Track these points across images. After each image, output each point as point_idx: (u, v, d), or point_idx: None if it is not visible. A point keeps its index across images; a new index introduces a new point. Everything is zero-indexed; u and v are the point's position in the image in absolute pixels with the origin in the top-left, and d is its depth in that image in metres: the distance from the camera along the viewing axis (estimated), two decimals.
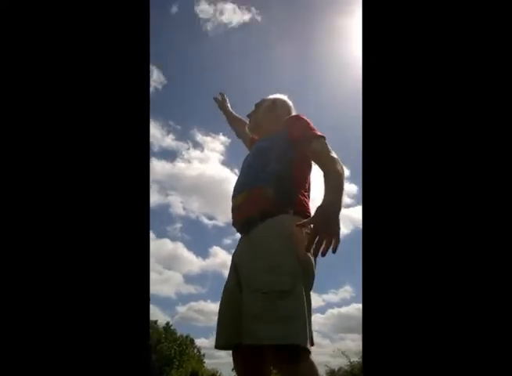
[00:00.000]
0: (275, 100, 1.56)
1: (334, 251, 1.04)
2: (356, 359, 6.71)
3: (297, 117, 1.38)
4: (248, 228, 1.23)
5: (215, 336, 1.22)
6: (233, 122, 1.92)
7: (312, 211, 1.13)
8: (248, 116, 1.61)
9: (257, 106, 1.57)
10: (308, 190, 1.35)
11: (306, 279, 1.12)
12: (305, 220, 1.09)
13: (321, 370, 1.12)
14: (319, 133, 1.27)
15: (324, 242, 1.02)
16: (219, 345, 1.20)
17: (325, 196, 1.10)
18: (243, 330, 1.08)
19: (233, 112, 1.96)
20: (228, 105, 1.99)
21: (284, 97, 1.58)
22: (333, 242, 1.03)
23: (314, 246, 1.03)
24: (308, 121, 1.34)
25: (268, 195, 1.21)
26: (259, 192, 1.23)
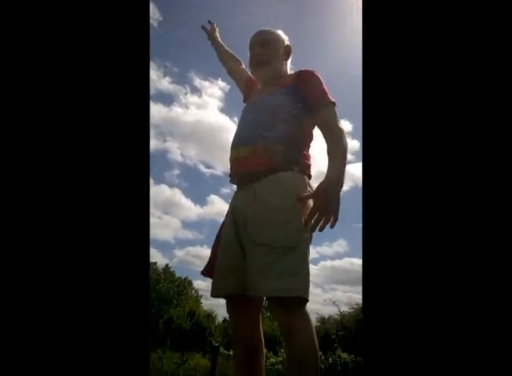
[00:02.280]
0: (272, 34, 1.43)
1: (332, 227, 1.10)
2: (346, 309, 7.02)
3: (312, 74, 1.30)
4: (250, 181, 1.21)
5: (212, 285, 1.25)
6: (224, 56, 1.74)
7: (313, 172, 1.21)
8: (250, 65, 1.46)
9: (256, 43, 1.42)
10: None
11: (308, 235, 1.15)
12: (307, 194, 1.14)
13: (312, 317, 1.17)
14: (331, 99, 1.25)
15: (323, 219, 1.08)
16: (216, 294, 1.23)
17: (329, 171, 1.12)
18: (245, 282, 1.11)
19: (224, 45, 1.77)
20: (218, 35, 1.79)
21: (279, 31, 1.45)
22: (331, 219, 1.09)
23: (313, 221, 1.09)
24: (322, 79, 1.28)
25: (275, 154, 1.20)
26: (266, 149, 1.19)
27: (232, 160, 1.31)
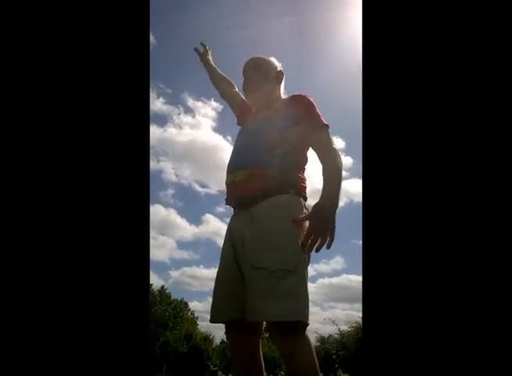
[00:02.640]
0: (265, 60, 1.47)
1: (328, 247, 1.12)
2: (345, 327, 6.92)
3: (305, 98, 1.33)
4: (246, 205, 1.22)
5: (210, 310, 1.24)
6: (217, 79, 1.75)
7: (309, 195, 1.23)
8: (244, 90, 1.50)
9: (249, 68, 1.46)
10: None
11: (306, 258, 1.16)
12: (303, 216, 1.16)
13: (311, 337, 1.16)
14: (324, 122, 1.28)
15: (319, 240, 1.10)
16: (215, 320, 1.23)
17: (323, 191, 1.15)
18: (245, 307, 1.11)
19: (217, 68, 1.78)
20: (211, 58, 1.80)
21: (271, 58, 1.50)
22: (327, 240, 1.11)
23: (309, 243, 1.11)
24: (314, 103, 1.31)
25: (271, 178, 1.21)
26: (262, 173, 1.21)
27: (229, 185, 1.32)
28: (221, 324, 1.25)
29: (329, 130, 1.29)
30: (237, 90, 1.71)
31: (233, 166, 1.32)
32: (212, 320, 1.24)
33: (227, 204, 1.35)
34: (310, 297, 1.12)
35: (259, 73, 1.43)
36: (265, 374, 1.25)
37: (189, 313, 26.39)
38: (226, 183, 1.33)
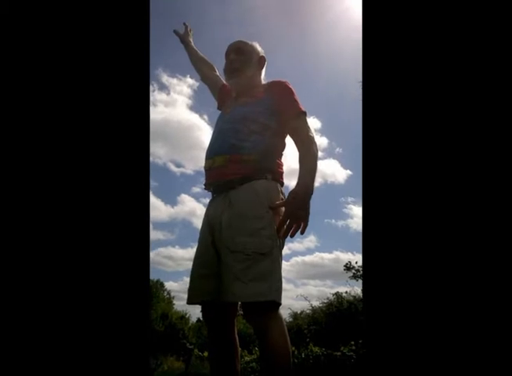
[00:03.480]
0: (248, 44, 1.48)
1: (302, 233, 1.17)
2: (317, 303, 7.18)
3: (283, 84, 1.36)
4: (224, 189, 1.26)
5: (187, 292, 1.30)
6: (197, 61, 1.73)
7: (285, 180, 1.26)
8: (225, 71, 1.50)
9: (231, 51, 1.46)
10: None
11: (280, 241, 1.21)
12: (279, 202, 1.20)
13: (285, 313, 1.25)
14: (302, 109, 1.31)
15: (294, 226, 1.15)
16: (192, 301, 1.28)
17: (299, 179, 1.18)
18: (221, 288, 1.16)
19: (198, 50, 1.75)
20: (191, 40, 1.76)
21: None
22: (301, 225, 1.15)
23: (284, 228, 1.15)
24: (293, 90, 1.34)
25: (249, 163, 1.25)
26: (241, 159, 1.25)
27: (207, 170, 1.35)
28: (197, 304, 1.30)
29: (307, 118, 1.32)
30: (218, 73, 1.70)
31: (212, 151, 1.34)
32: (189, 302, 1.28)
33: (206, 189, 1.38)
34: (284, 274, 1.18)
35: (241, 56, 1.43)
36: (239, 350, 1.33)
37: (165, 293, 26.46)
38: (205, 168, 1.36)
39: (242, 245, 1.14)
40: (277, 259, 1.18)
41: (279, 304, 1.15)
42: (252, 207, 1.20)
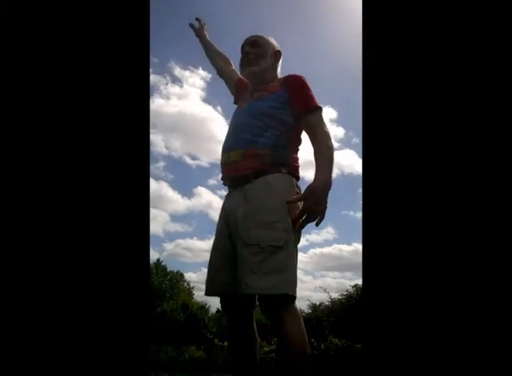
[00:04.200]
0: (263, 38, 1.47)
1: (317, 225, 1.19)
2: (336, 295, 7.16)
3: (299, 79, 1.35)
4: (240, 184, 1.27)
5: (205, 284, 1.32)
6: (213, 55, 1.73)
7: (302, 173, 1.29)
8: (241, 66, 1.50)
9: (247, 44, 1.45)
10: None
11: (295, 234, 1.21)
12: (296, 197, 1.21)
13: (303, 304, 1.25)
14: (317, 104, 1.31)
15: (310, 220, 1.18)
16: (210, 293, 1.30)
17: (317, 173, 1.19)
18: (236, 281, 1.17)
19: (213, 43, 1.75)
20: (206, 33, 1.76)
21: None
22: (318, 218, 1.18)
23: (300, 222, 1.18)
24: (309, 85, 1.33)
25: (265, 158, 1.26)
26: (256, 153, 1.25)
27: (223, 164, 1.36)
28: (215, 296, 1.33)
29: (321, 102, 1.32)
30: (234, 67, 1.70)
31: (227, 146, 1.35)
32: (207, 293, 1.30)
33: (223, 184, 1.40)
34: (302, 266, 1.22)
35: (256, 49, 1.43)
36: (258, 340, 1.34)
37: (185, 284, 26.90)
38: (221, 163, 1.37)
39: (257, 238, 1.15)
40: (292, 252, 1.18)
41: (294, 297, 1.15)
42: (267, 200, 1.20)
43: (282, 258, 1.14)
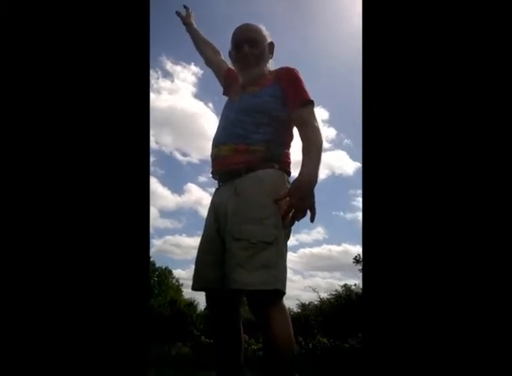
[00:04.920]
0: (259, 32, 1.39)
1: (312, 221, 1.16)
2: (325, 295, 7.17)
3: (292, 72, 1.31)
4: (230, 178, 1.24)
5: (192, 278, 1.28)
6: (201, 45, 1.68)
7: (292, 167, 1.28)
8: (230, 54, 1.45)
9: (244, 41, 1.37)
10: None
11: (285, 231, 1.20)
12: (282, 194, 1.17)
13: (292, 304, 1.21)
14: (309, 98, 1.28)
15: (299, 215, 1.15)
16: (197, 287, 1.27)
17: (302, 169, 1.16)
18: (225, 276, 1.15)
19: (200, 32, 1.70)
20: (194, 22, 1.72)
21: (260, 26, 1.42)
22: (310, 213, 1.15)
23: (289, 218, 1.15)
24: (302, 78, 1.30)
25: (256, 153, 1.23)
26: (248, 149, 1.22)
27: (214, 158, 1.33)
28: (202, 291, 1.29)
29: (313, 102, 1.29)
30: (223, 57, 1.65)
31: (219, 140, 1.32)
32: (193, 288, 1.27)
33: (213, 177, 1.36)
34: (291, 265, 1.18)
35: (256, 49, 1.36)
36: (243, 338, 1.31)
37: (174, 281, 26.85)
38: (211, 157, 1.34)
39: (247, 233, 1.13)
40: (282, 249, 1.16)
41: (284, 293, 1.14)
42: (257, 195, 1.18)
43: (272, 253, 1.12)
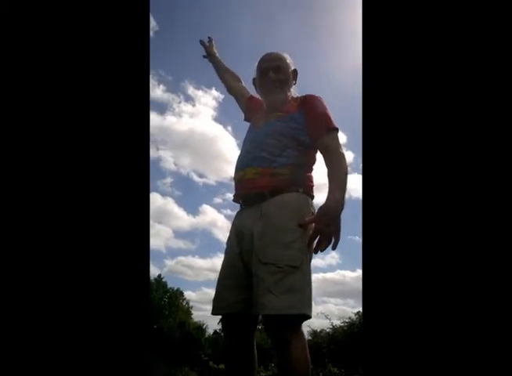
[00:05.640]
0: (283, 60, 1.44)
1: (333, 248, 1.16)
2: (338, 322, 6.98)
3: (317, 100, 1.35)
4: (256, 201, 1.25)
5: (213, 302, 1.27)
6: (223, 73, 1.75)
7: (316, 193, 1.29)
8: (254, 81, 1.49)
9: (269, 68, 1.41)
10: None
11: (309, 255, 1.20)
12: (308, 219, 1.19)
13: (303, 330, 1.21)
14: (334, 125, 1.31)
15: (324, 242, 1.14)
16: (217, 312, 1.26)
17: (329, 195, 1.17)
18: (246, 301, 1.15)
19: (222, 61, 1.77)
20: (216, 52, 1.79)
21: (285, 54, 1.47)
22: (332, 241, 1.14)
23: (314, 244, 1.15)
24: (326, 106, 1.34)
25: (282, 176, 1.25)
26: (273, 172, 1.25)
27: (238, 181, 1.34)
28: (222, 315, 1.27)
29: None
30: (244, 84, 1.70)
31: (243, 163, 1.33)
32: (214, 312, 1.25)
33: (234, 200, 1.37)
34: None
35: (281, 75, 1.40)
36: (256, 365, 1.28)
37: (184, 303, 26.54)
38: (235, 180, 1.35)
39: (274, 257, 1.13)
40: (308, 273, 1.17)
41: (309, 317, 1.13)
42: (284, 219, 1.19)
43: (298, 278, 1.12)
